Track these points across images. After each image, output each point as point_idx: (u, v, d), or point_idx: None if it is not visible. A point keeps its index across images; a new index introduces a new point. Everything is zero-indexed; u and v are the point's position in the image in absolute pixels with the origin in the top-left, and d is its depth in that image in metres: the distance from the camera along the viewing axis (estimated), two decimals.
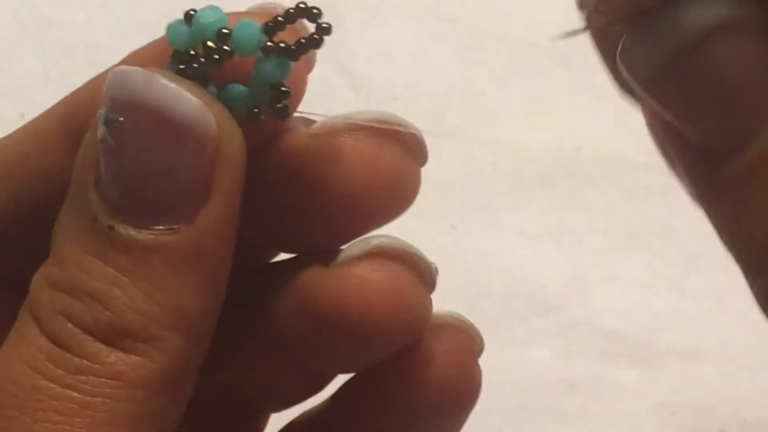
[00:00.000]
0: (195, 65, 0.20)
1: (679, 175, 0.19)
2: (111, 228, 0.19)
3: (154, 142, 0.19)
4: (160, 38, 0.21)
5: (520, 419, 0.41)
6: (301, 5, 0.20)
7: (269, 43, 0.20)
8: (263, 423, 0.25)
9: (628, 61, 0.18)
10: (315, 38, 0.20)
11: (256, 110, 0.20)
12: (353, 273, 0.21)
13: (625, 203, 0.44)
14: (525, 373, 0.42)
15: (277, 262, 0.23)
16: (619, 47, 0.18)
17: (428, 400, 0.22)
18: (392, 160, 0.21)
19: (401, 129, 0.22)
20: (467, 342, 0.22)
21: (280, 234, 0.22)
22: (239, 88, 0.20)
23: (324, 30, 0.20)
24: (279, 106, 0.20)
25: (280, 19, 0.20)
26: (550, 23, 0.47)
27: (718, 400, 0.42)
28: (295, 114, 0.21)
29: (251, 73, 0.20)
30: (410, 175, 0.22)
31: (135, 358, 0.19)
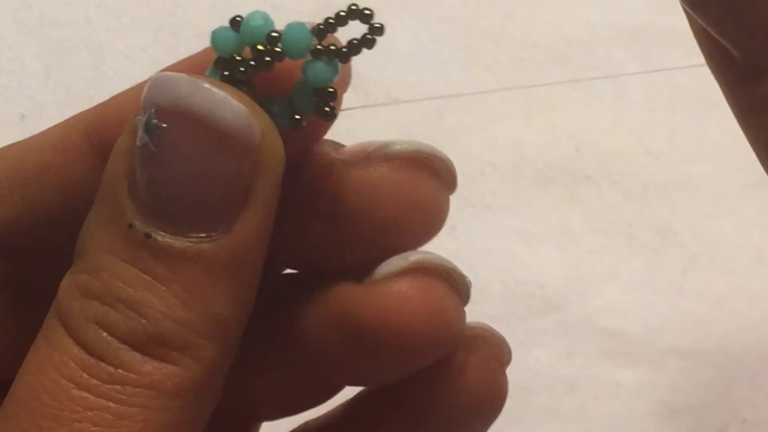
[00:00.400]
0: (241, 69, 0.19)
1: (720, 86, 0.20)
2: (147, 236, 0.19)
3: (197, 148, 0.19)
4: (193, 55, 0.21)
5: (519, 419, 0.41)
6: (353, 7, 0.20)
7: (319, 46, 0.19)
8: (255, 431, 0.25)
9: None
10: (368, 38, 0.20)
11: (297, 117, 0.20)
12: (394, 290, 0.21)
13: (624, 203, 0.44)
14: (525, 373, 0.42)
15: (292, 275, 0.23)
16: None
17: (458, 410, 0.22)
18: (427, 192, 0.22)
19: (435, 159, 0.22)
20: (497, 353, 0.23)
21: (305, 255, 0.22)
22: (279, 100, 0.20)
23: (376, 30, 0.20)
24: (326, 108, 0.20)
25: (331, 21, 0.20)
26: (550, 23, 0.47)
27: (718, 400, 0.42)
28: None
29: (294, 83, 0.20)
30: (442, 205, 0.22)
31: (170, 367, 0.18)
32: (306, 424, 0.24)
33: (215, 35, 0.20)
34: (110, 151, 0.20)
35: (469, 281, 0.22)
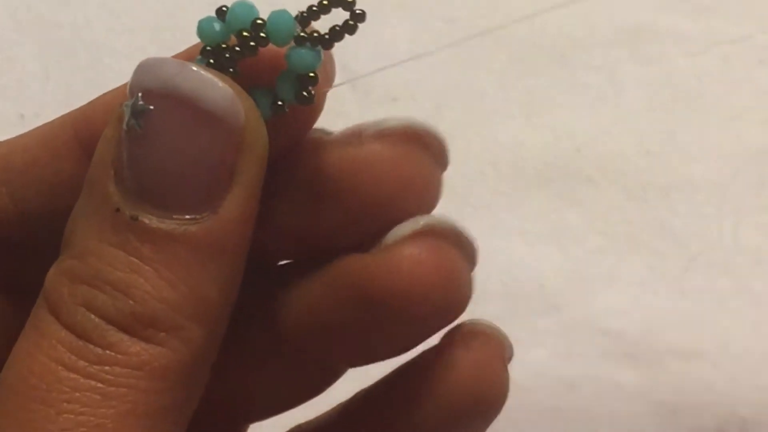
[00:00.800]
0: (227, 55, 0.20)
1: None
2: (134, 218, 0.19)
3: (182, 129, 0.19)
4: (182, 52, 0.21)
5: (519, 419, 0.41)
6: None
7: (302, 33, 0.20)
8: None
9: None
10: (350, 24, 0.20)
11: (279, 103, 0.20)
12: (406, 253, 0.20)
13: (624, 203, 0.44)
14: (525, 373, 0.42)
15: (287, 264, 0.23)
16: None
17: (458, 408, 0.22)
18: (420, 167, 0.21)
19: (427, 135, 0.22)
20: (498, 350, 0.22)
21: (299, 238, 0.22)
22: (264, 89, 0.20)
23: (358, 17, 0.20)
24: (305, 93, 0.20)
25: (314, 8, 0.20)
26: (550, 23, 0.47)
27: (718, 400, 0.42)
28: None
29: (278, 73, 0.20)
30: (435, 181, 0.22)
31: (158, 348, 0.19)
32: (299, 426, 0.24)
33: (201, 25, 0.20)
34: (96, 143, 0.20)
35: (477, 245, 0.22)
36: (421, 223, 0.21)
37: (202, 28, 0.20)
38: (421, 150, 0.21)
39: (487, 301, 0.43)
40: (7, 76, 0.46)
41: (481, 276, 0.45)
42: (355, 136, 0.21)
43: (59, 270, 0.19)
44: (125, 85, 0.20)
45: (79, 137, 0.21)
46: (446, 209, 0.44)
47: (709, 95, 0.46)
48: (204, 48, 0.20)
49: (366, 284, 0.21)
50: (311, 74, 0.20)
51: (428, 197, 0.22)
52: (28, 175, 0.22)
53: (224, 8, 0.20)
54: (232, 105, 0.19)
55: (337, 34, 0.20)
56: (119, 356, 0.18)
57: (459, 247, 0.21)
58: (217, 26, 0.20)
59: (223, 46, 0.20)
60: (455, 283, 0.21)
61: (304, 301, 0.22)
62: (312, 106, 0.20)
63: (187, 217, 0.19)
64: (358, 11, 0.20)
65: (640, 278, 0.43)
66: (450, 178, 0.46)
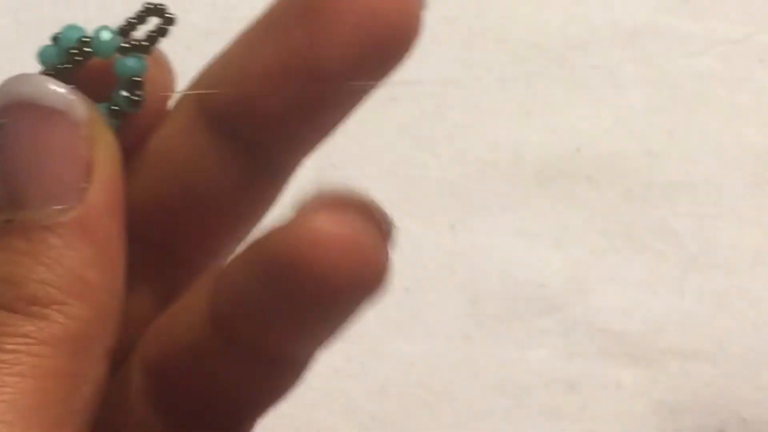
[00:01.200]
0: (62, 73, 0.22)
1: None
2: (9, 222, 0.21)
3: (32, 130, 0.21)
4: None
5: (519, 418, 0.41)
6: (148, 5, 0.23)
7: (124, 44, 0.23)
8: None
9: None
10: (162, 28, 0.23)
11: (114, 107, 0.22)
12: (309, 223, 0.21)
13: (624, 203, 0.44)
14: (525, 373, 0.42)
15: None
16: None
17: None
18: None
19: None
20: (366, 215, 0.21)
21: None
22: (105, 103, 0.22)
23: (169, 21, 0.23)
24: (133, 97, 0.22)
25: (132, 20, 0.23)
26: (550, 23, 0.47)
27: (718, 400, 0.42)
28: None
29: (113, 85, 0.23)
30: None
31: (41, 321, 0.20)
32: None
33: (40, 51, 0.23)
34: None
35: (392, 220, 0.21)
36: (328, 195, 0.21)
37: (40, 55, 0.23)
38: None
39: (487, 301, 0.43)
40: (7, 76, 0.46)
41: (481, 276, 0.45)
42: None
43: None
44: None
45: None
46: (446, 209, 0.44)
47: (709, 95, 0.46)
48: (44, 72, 0.23)
49: (273, 257, 0.21)
50: (135, 78, 0.22)
51: (407, 21, 0.21)
52: None
53: (58, 35, 0.23)
54: (70, 101, 0.21)
55: (152, 38, 0.23)
56: (8, 328, 0.20)
57: (368, 218, 0.21)
58: (53, 50, 0.23)
59: (59, 66, 0.22)
60: (365, 252, 0.20)
61: (228, 287, 0.22)
62: (156, 109, 0.23)
63: (55, 208, 0.21)
64: (168, 16, 0.23)
65: (640, 278, 0.43)
66: (449, 177, 0.47)
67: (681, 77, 0.46)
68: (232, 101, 0.22)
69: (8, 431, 0.19)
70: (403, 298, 0.41)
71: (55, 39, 0.23)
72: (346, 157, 0.45)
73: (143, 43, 0.23)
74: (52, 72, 0.23)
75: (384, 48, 0.21)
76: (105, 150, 0.21)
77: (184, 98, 0.23)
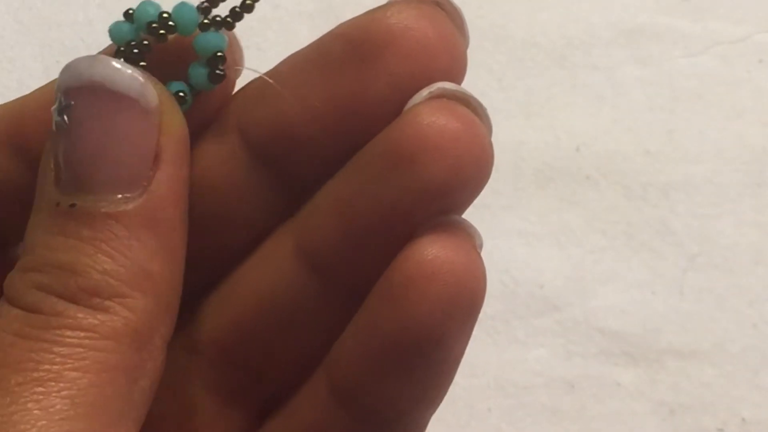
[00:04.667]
0: (136, 50, 0.22)
1: None
2: (73, 206, 0.20)
3: (102, 115, 0.20)
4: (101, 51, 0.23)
5: (519, 418, 0.41)
6: None
7: (205, 21, 0.22)
8: None
9: None
10: (247, 4, 0.22)
11: (181, 93, 0.22)
12: (422, 115, 0.21)
13: (624, 203, 0.44)
14: (524, 373, 0.42)
15: None
16: None
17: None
18: (445, 30, 0.22)
19: (448, 4, 0.22)
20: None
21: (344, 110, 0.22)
22: (177, 81, 0.22)
23: None
24: (217, 71, 0.22)
25: None
26: (550, 23, 0.47)
27: (718, 400, 0.42)
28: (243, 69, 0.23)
29: (190, 62, 0.22)
30: (460, 49, 0.22)
31: (103, 314, 0.20)
32: None
33: (112, 28, 0.22)
34: (32, 149, 0.22)
35: (486, 110, 0.22)
36: (436, 86, 0.21)
37: (113, 32, 0.22)
38: (444, 16, 0.22)
39: (487, 301, 0.43)
40: (8, 76, 0.46)
41: None
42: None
43: (15, 268, 0.21)
44: (52, 82, 0.21)
45: (12, 144, 0.23)
46: None
47: (709, 95, 0.46)
48: (117, 49, 0.22)
49: (390, 147, 0.21)
50: (219, 53, 0.22)
51: (454, 64, 0.22)
52: None
53: (130, 11, 0.22)
54: (143, 87, 0.21)
55: (236, 15, 0.22)
56: (68, 320, 0.20)
57: (473, 110, 0.22)
58: (126, 27, 0.22)
59: (132, 43, 0.22)
60: (476, 140, 0.21)
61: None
62: (223, 87, 0.22)
63: (120, 196, 0.20)
64: None
65: (640, 278, 0.43)
66: None
67: (680, 77, 0.46)
68: (276, 135, 0.22)
69: (69, 428, 0.19)
70: None
71: (128, 15, 0.22)
72: None
73: (227, 19, 0.22)
74: (124, 50, 0.22)
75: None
76: (174, 137, 0.21)
77: (222, 129, 0.23)
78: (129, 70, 0.21)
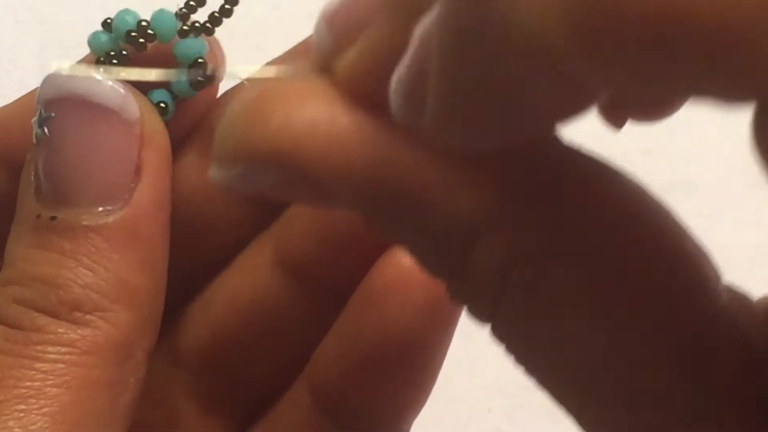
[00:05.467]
0: (115, 61, 0.21)
1: None
2: (53, 218, 0.20)
3: (82, 127, 0.20)
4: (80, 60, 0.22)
5: (519, 418, 0.41)
6: None
7: (185, 27, 0.21)
8: None
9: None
10: (226, 9, 0.22)
11: (162, 104, 0.21)
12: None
13: None
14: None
15: None
16: None
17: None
18: None
19: None
20: None
21: None
22: (159, 89, 0.21)
23: (232, 1, 0.22)
24: (199, 78, 0.21)
25: (192, 3, 0.22)
26: None
27: None
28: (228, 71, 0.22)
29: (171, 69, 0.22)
30: None
31: (84, 328, 0.20)
32: None
33: (90, 39, 0.22)
34: (15, 160, 0.21)
35: None
36: None
37: (91, 41, 0.22)
38: None
39: None
40: (8, 75, 0.46)
41: None
42: None
43: None
44: (33, 91, 0.21)
45: None
46: None
47: None
48: (97, 59, 0.22)
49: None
50: (199, 59, 0.21)
51: None
52: None
53: (109, 20, 0.22)
54: (124, 99, 0.20)
55: (215, 19, 0.22)
56: (48, 336, 0.19)
57: None
58: (105, 37, 0.22)
59: (112, 53, 0.21)
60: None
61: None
62: (205, 94, 0.22)
63: (101, 209, 0.20)
64: None
65: None
66: None
67: None
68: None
69: None
70: None
71: (106, 24, 0.22)
72: None
73: (207, 24, 0.22)
74: (104, 61, 0.21)
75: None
76: (155, 149, 0.21)
77: (203, 138, 0.22)
78: (110, 82, 0.20)
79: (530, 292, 0.14)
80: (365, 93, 0.13)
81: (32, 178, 0.20)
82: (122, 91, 0.20)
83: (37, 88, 0.21)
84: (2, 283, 0.20)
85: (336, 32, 0.14)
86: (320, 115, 0.13)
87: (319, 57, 0.15)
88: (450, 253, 0.14)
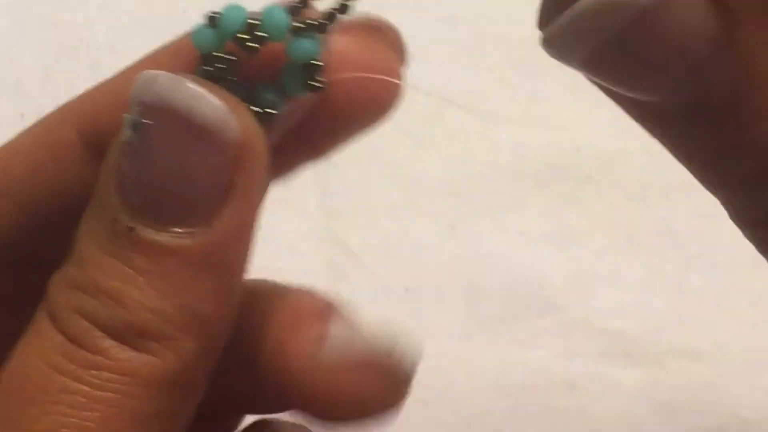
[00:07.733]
0: (222, 66, 0.20)
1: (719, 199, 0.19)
2: (131, 229, 0.19)
3: (178, 144, 0.19)
4: (177, 39, 0.21)
5: (519, 418, 0.41)
6: None
7: (298, 24, 0.20)
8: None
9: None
10: (343, 5, 0.20)
11: (270, 111, 0.20)
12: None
13: (624, 203, 0.44)
14: (525, 373, 0.42)
15: None
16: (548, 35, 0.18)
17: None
18: (379, 54, 0.21)
19: (385, 28, 0.22)
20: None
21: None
22: (270, 86, 0.20)
23: None
24: (313, 82, 0.20)
25: None
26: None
27: (718, 400, 0.42)
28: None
29: (281, 67, 0.20)
30: (394, 68, 0.22)
31: (147, 357, 0.19)
32: None
33: (195, 34, 0.20)
34: (102, 146, 0.20)
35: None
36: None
37: (195, 37, 0.20)
38: (381, 40, 0.21)
39: (487, 301, 0.43)
40: (8, 75, 0.46)
41: (481, 276, 0.45)
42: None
43: (60, 276, 0.20)
44: (122, 76, 0.20)
45: (82, 137, 0.21)
46: (446, 209, 0.44)
47: None
48: (200, 56, 0.20)
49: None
50: (316, 62, 0.20)
51: (390, 86, 0.22)
52: (31, 181, 0.21)
53: (215, 13, 0.20)
54: (228, 120, 0.19)
55: (331, 17, 0.20)
56: (108, 362, 0.18)
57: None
58: (210, 34, 0.20)
59: (218, 55, 0.20)
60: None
61: None
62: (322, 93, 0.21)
63: (182, 230, 0.19)
64: None
65: (640, 278, 0.43)
66: (449, 177, 0.46)
67: None
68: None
69: None
70: (403, 298, 0.41)
71: (212, 19, 0.20)
72: (347, 157, 0.45)
73: (322, 21, 0.20)
74: (212, 65, 0.20)
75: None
76: (249, 173, 0.19)
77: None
78: (212, 97, 0.19)
79: None
80: None
81: (115, 169, 0.19)
82: (224, 110, 0.19)
83: (123, 72, 0.20)
84: (70, 283, 0.19)
85: None
86: None
87: None
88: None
